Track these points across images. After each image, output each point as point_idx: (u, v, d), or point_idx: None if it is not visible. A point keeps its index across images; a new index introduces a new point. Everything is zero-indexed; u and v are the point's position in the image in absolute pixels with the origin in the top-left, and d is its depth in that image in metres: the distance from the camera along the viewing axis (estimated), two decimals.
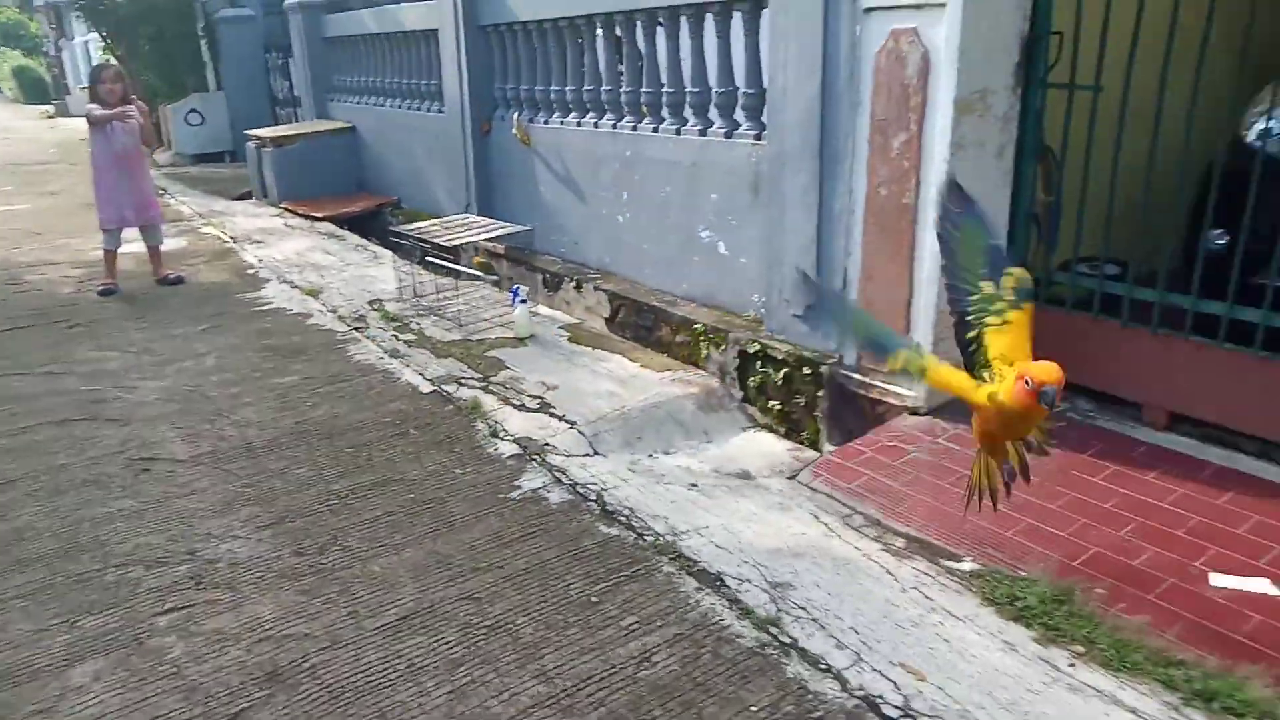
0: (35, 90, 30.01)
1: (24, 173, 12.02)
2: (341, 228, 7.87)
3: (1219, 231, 3.13)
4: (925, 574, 2.67)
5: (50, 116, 23.17)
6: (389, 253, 6.89)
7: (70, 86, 25.42)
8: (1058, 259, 3.67)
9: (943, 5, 3.15)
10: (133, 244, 6.09)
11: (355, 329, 5.01)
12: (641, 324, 5.01)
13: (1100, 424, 3.40)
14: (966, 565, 2.71)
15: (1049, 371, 2.07)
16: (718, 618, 2.49)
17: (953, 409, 3.51)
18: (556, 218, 5.99)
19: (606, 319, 5.27)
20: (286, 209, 8.55)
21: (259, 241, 7.26)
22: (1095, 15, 3.18)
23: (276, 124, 12.24)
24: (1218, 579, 2.56)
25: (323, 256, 6.73)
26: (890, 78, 3.39)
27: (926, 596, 2.57)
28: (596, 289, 5.35)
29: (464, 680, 2.28)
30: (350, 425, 3.77)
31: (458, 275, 5.37)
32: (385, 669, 2.32)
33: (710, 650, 2.37)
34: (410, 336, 4.84)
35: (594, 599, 2.59)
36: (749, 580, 2.66)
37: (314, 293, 5.68)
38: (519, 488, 3.24)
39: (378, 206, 8.38)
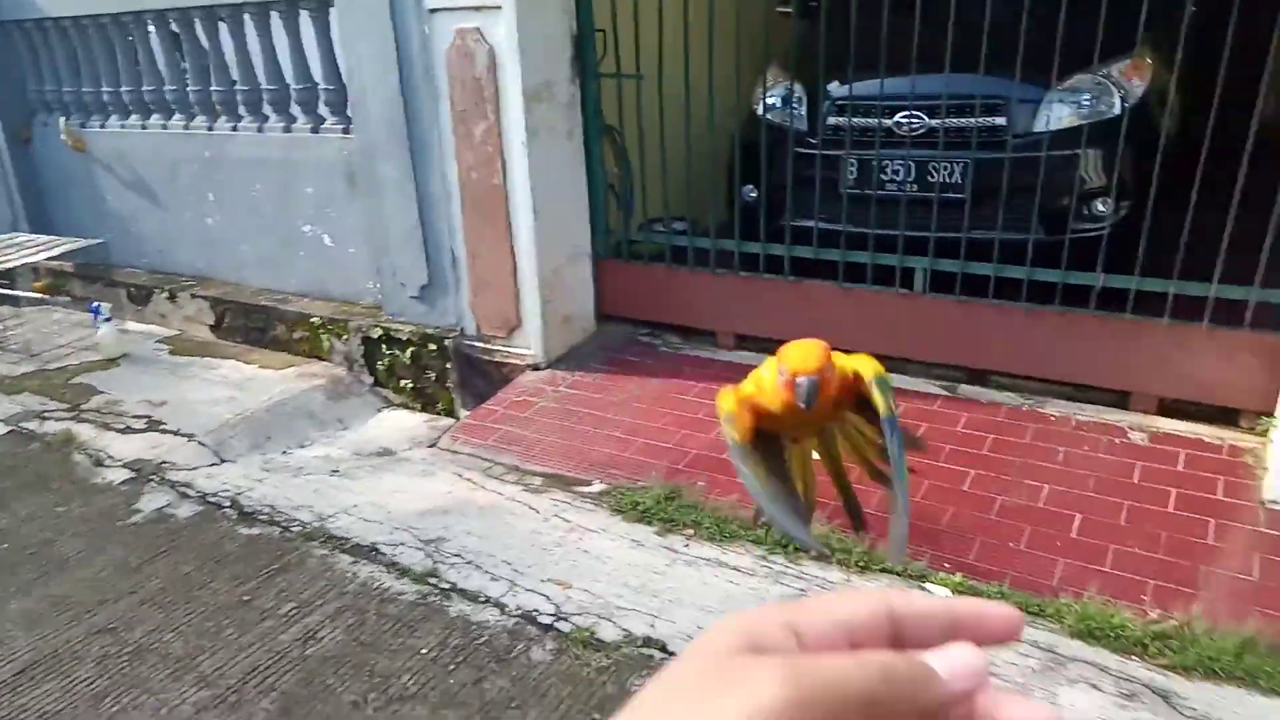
0: None
1: None
2: None
3: (749, 187, 3.82)
4: (562, 501, 3.00)
5: None
6: None
7: None
8: (637, 221, 4.20)
9: (499, 8, 3.44)
10: None
11: None
12: (252, 326, 4.81)
13: (686, 352, 3.99)
14: (596, 487, 3.09)
15: (804, 358, 1.74)
16: (377, 583, 2.60)
17: (567, 359, 3.90)
18: (134, 226, 5.47)
19: (211, 326, 4.97)
20: None
21: None
22: (628, 15, 3.69)
23: None
24: None
25: None
26: (463, 72, 3.62)
27: (565, 520, 2.90)
28: (194, 297, 5.01)
29: (113, 709, 2.16)
30: None
31: (16, 301, 4.70)
32: None
33: (374, 613, 2.48)
34: None
35: (245, 597, 2.56)
36: (403, 544, 2.79)
37: None
38: (139, 510, 3.04)
39: None
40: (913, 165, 3.48)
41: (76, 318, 4.85)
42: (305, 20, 4.32)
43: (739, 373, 3.68)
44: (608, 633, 2.35)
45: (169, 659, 2.32)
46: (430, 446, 3.57)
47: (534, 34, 3.50)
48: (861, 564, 2.53)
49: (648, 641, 2.31)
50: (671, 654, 2.24)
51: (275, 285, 4.90)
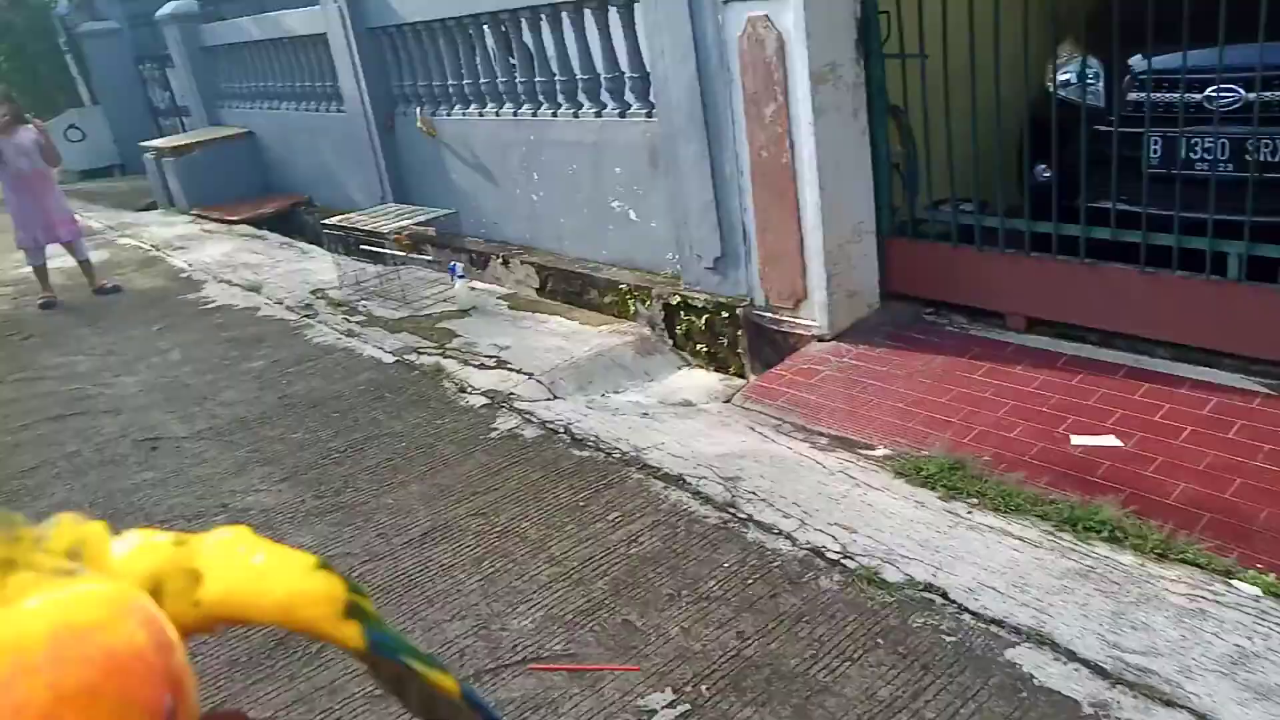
0: None
1: None
2: (258, 229, 8.06)
3: (1042, 166, 3.86)
4: (847, 460, 3.30)
5: None
6: (315, 247, 7.17)
7: None
8: (922, 201, 4.36)
9: None
10: (59, 259, 6.22)
11: (306, 316, 5.35)
12: (570, 289, 5.53)
13: (973, 333, 4.11)
14: (879, 451, 3.36)
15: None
16: (684, 506, 3.07)
17: (851, 333, 4.17)
18: (473, 201, 6.41)
19: (537, 288, 5.76)
20: (198, 215, 8.66)
21: (182, 247, 7.41)
22: None
23: (161, 134, 12.11)
24: (1076, 439, 3.27)
25: (251, 256, 6.96)
26: (754, 58, 3.97)
27: (850, 476, 3.20)
28: (523, 263, 5.83)
29: (489, 571, 2.79)
30: (329, 395, 4.17)
31: (395, 260, 5.76)
32: (422, 570, 2.81)
33: (684, 529, 2.94)
34: (360, 318, 5.23)
35: (581, 503, 3.13)
36: (705, 478, 3.24)
37: (255, 288, 5.97)
38: (495, 429, 3.74)
39: (290, 206, 8.58)
40: (1226, 143, 3.35)
41: (434, 275, 5.83)
42: (614, 16, 4.87)
43: (1031, 358, 3.82)
44: (891, 575, 2.63)
45: (526, 540, 2.93)
46: (725, 402, 4.01)
47: (820, 18, 3.72)
48: (1159, 551, 2.58)
49: (929, 587, 2.56)
50: (953, 601, 2.49)
51: (589, 255, 5.58)
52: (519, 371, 4.27)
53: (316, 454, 3.61)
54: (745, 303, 4.48)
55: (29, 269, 6.10)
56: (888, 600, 2.52)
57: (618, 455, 3.44)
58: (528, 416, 3.82)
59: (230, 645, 2.53)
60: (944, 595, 2.53)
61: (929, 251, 4.18)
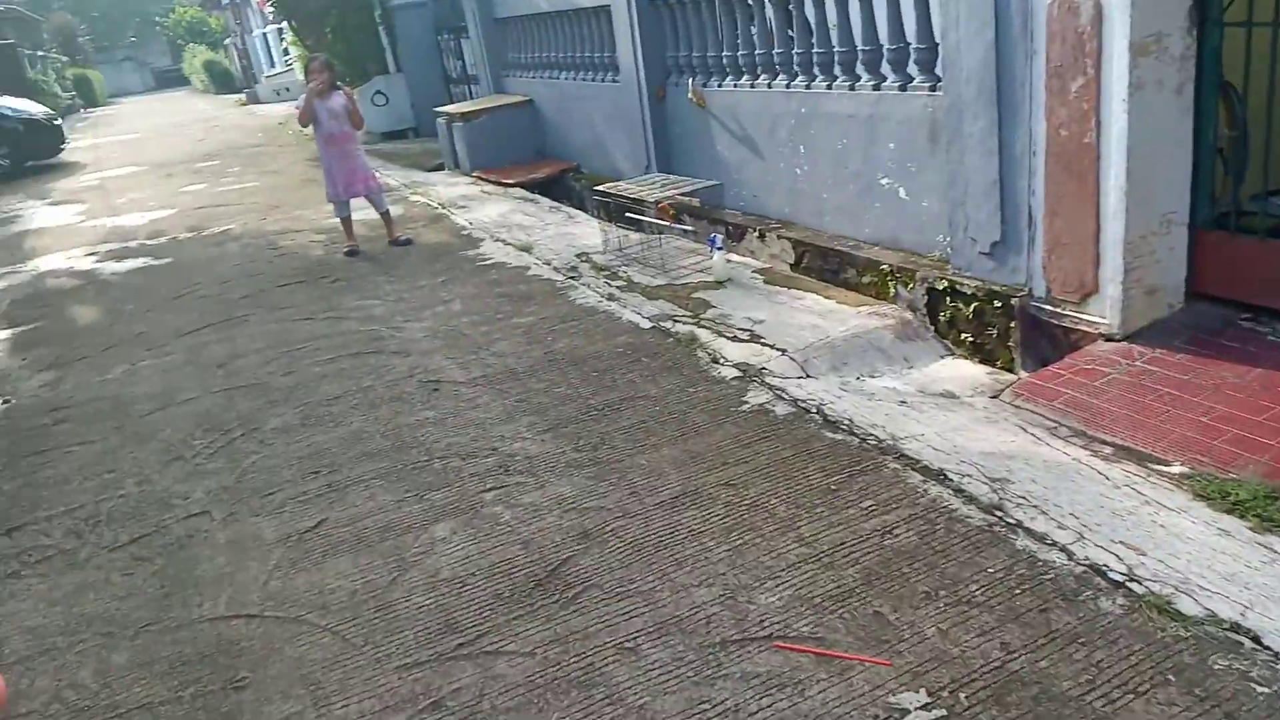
0: (223, 81, 32.83)
1: (243, 155, 13.46)
2: (531, 192, 8.57)
3: None
4: (1135, 475, 2.97)
5: (244, 104, 25.36)
6: (581, 213, 7.51)
7: (258, 75, 27.68)
8: (1248, 191, 3.80)
9: None
10: (361, 211, 6.94)
11: (570, 278, 5.61)
12: (827, 267, 5.38)
13: None
14: (1175, 469, 2.99)
15: None
16: (945, 503, 2.90)
17: (1146, 334, 3.73)
18: (734, 173, 6.41)
19: (791, 264, 5.67)
20: (479, 177, 9.35)
21: (464, 207, 8.04)
22: None
23: (451, 101, 13.17)
24: None
25: (523, 218, 7.41)
26: (1063, 26, 3.59)
27: (1138, 492, 2.88)
28: (780, 237, 5.75)
29: (737, 542, 2.79)
30: (590, 355, 4.35)
31: (656, 229, 5.90)
32: (672, 533, 2.87)
33: (943, 527, 2.78)
34: (621, 283, 5.41)
35: (833, 487, 3.05)
36: (969, 476, 3.04)
37: (526, 249, 6.35)
38: (746, 402, 3.73)
39: (560, 172, 9.04)
40: None
41: (692, 245, 5.91)
42: None
43: None
44: (1187, 607, 2.33)
45: (775, 517, 2.90)
46: (992, 397, 3.74)
47: None
48: None
49: (1236, 628, 2.25)
50: (1267, 648, 2.17)
51: (849, 232, 5.40)
52: (772, 347, 4.22)
53: (577, 409, 3.79)
54: (1022, 293, 4.15)
55: (338, 220, 6.87)
56: (1182, 634, 2.25)
57: (873, 442, 3.31)
58: (779, 393, 3.78)
59: (496, 581, 2.72)
60: (1255, 639, 2.21)
61: (1254, 249, 3.65)
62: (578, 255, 6.08)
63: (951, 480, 3.01)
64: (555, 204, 7.93)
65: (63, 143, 14.92)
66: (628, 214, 5.98)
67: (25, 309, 6.18)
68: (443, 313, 5.16)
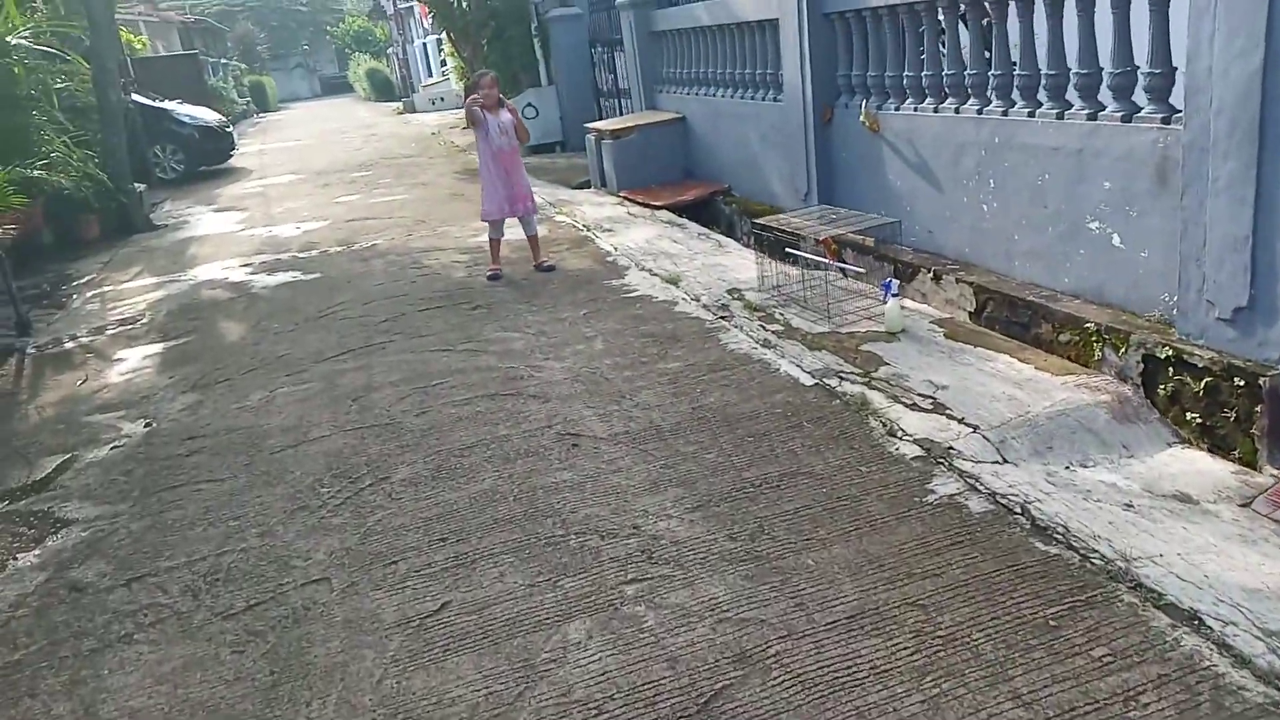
0: (384, 89, 34.26)
1: (395, 165, 13.72)
2: (679, 215, 8.20)
3: None
4: None
5: (400, 113, 26.27)
6: (731, 241, 7.07)
7: (415, 85, 28.66)
8: None
9: None
10: (507, 231, 6.73)
11: (721, 318, 5.18)
12: (1015, 320, 4.73)
13: None
14: None
15: None
16: (1206, 663, 2.28)
17: None
18: (906, 205, 5.83)
19: (971, 313, 5.04)
20: (625, 197, 9.06)
21: (609, 230, 7.74)
22: None
23: (600, 115, 13.01)
24: None
25: (670, 245, 7.03)
26: None
27: None
28: (959, 281, 5.13)
29: (933, 691, 2.27)
30: (744, 414, 3.89)
31: (818, 265, 5.39)
32: (849, 666, 2.37)
33: (1208, 699, 2.17)
34: (778, 327, 4.93)
35: (1051, 622, 2.48)
36: (1233, 624, 2.41)
37: (674, 280, 5.96)
38: (932, 492, 3.18)
39: (710, 194, 8.63)
40: None
41: (860, 286, 5.36)
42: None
43: None
44: None
45: (980, 658, 2.36)
46: (1242, 505, 3.06)
47: None
48: None
49: None
50: None
51: (1044, 281, 4.74)
52: (960, 421, 3.65)
53: (730, 483, 3.34)
54: (1273, 371, 3.44)
55: (483, 239, 6.67)
56: None
57: (1097, 560, 2.71)
58: (972, 482, 3.21)
59: (637, 710, 2.30)
60: None
61: None
62: (729, 291, 5.64)
63: (1210, 629, 2.39)
64: (704, 230, 7.52)
65: (232, 149, 15.68)
66: (787, 249, 5.50)
67: (180, 321, 6.27)
68: (584, 352, 4.82)
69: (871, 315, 4.91)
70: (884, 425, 3.69)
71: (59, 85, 8.73)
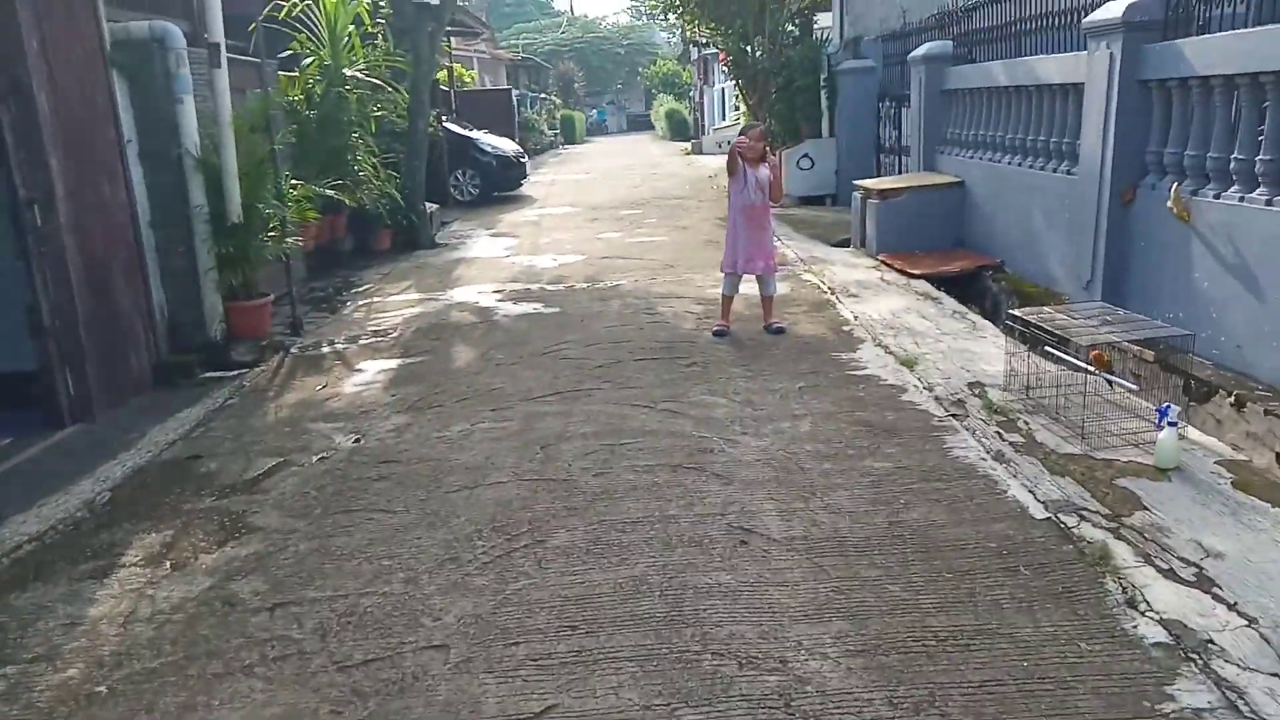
0: (679, 129, 35.58)
1: (664, 206, 14.01)
2: (937, 287, 7.50)
3: None
4: None
5: (687, 154, 27.07)
6: (990, 324, 6.30)
7: (706, 127, 29.46)
8: None
9: None
10: (745, 284, 6.46)
11: (953, 415, 4.54)
12: None
13: None
14: None
15: None
16: None
17: None
18: (1211, 311, 4.85)
19: (1278, 455, 4.02)
20: (883, 262, 8.47)
21: (855, 295, 7.23)
22: None
23: (879, 171, 12.42)
24: None
25: (918, 320, 6.41)
26: None
27: None
28: (1268, 414, 4.12)
29: None
30: (949, 541, 3.31)
31: (1059, 362, 4.57)
32: None
33: None
34: (1017, 438, 4.22)
35: None
36: None
37: (909, 363, 5.37)
38: (1171, 699, 2.45)
39: (977, 268, 7.83)
40: None
41: (1129, 401, 4.49)
42: None
43: None
44: None
45: None
46: None
47: None
48: None
49: None
50: None
51: None
52: (1230, 606, 2.84)
53: (909, 627, 2.81)
54: None
55: (718, 291, 6.45)
56: None
57: None
58: (1234, 698, 2.44)
59: None
60: None
61: None
62: (970, 385, 4.96)
63: None
64: (960, 308, 6.79)
65: (523, 178, 16.85)
66: (1046, 347, 4.74)
67: (422, 339, 6.63)
68: (788, 431, 4.41)
69: (1139, 442, 4.06)
70: (1124, 591, 2.95)
71: (377, 113, 9.73)
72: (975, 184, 8.45)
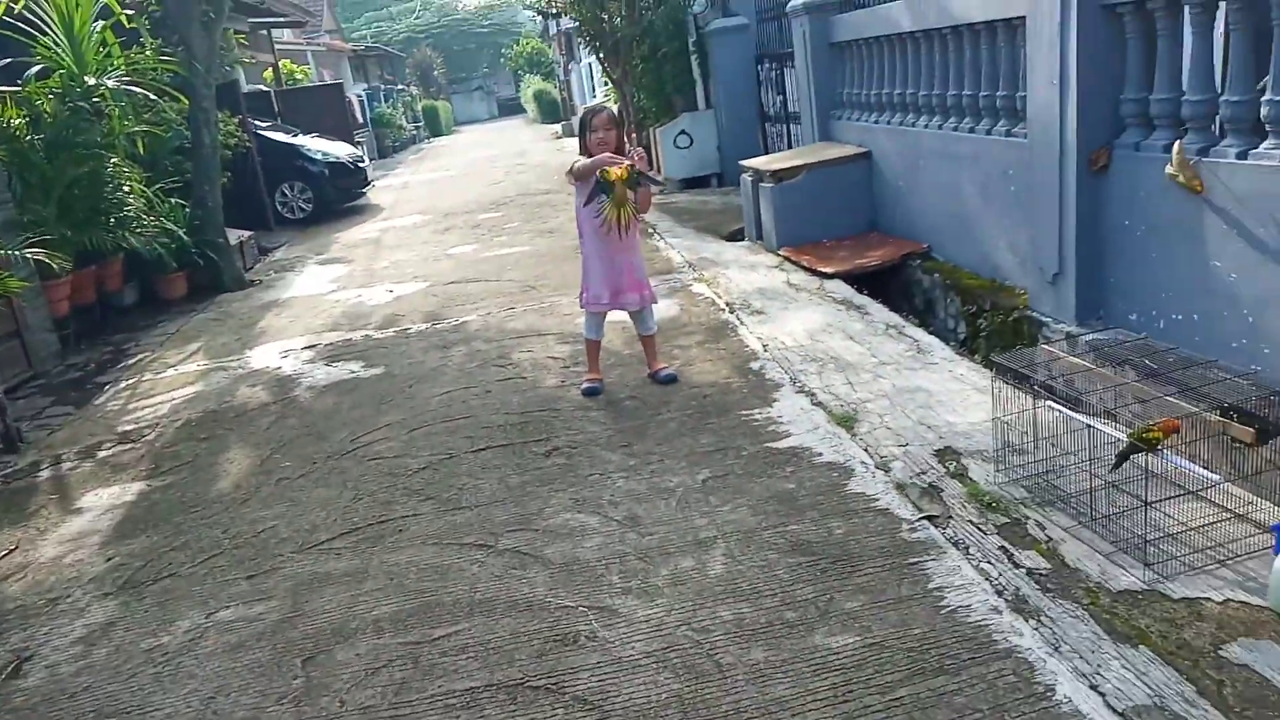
0: (550, 111, 33.65)
1: (528, 205, 12.28)
2: (857, 288, 6.10)
3: None
4: None
5: (558, 137, 25.28)
6: (936, 342, 4.91)
7: (575, 107, 27.68)
8: None
9: None
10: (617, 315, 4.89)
11: (928, 517, 3.09)
12: None
13: None
14: None
15: None
16: None
17: None
18: (1248, 315, 3.56)
19: None
20: (787, 258, 7.03)
21: (760, 312, 5.74)
22: None
23: (766, 144, 11.02)
24: None
25: (844, 344, 4.96)
26: None
27: None
28: None
29: None
30: None
31: (1134, 450, 3.13)
32: None
33: None
34: (1035, 561, 2.77)
35: None
36: None
37: (847, 421, 3.90)
38: None
39: (901, 257, 6.47)
40: None
41: (1186, 469, 3.10)
42: None
43: None
44: None
45: None
46: None
47: None
48: None
49: None
50: None
51: None
52: None
53: None
54: None
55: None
56: None
57: None
58: None
59: None
60: None
61: None
62: (937, 453, 3.52)
63: None
64: (895, 320, 5.37)
65: (366, 185, 14.71)
66: (1050, 402, 3.32)
67: (187, 440, 4.82)
68: (691, 581, 2.86)
69: (1231, 556, 2.67)
70: None
71: (142, 129, 7.66)
72: (885, 154, 7.08)
